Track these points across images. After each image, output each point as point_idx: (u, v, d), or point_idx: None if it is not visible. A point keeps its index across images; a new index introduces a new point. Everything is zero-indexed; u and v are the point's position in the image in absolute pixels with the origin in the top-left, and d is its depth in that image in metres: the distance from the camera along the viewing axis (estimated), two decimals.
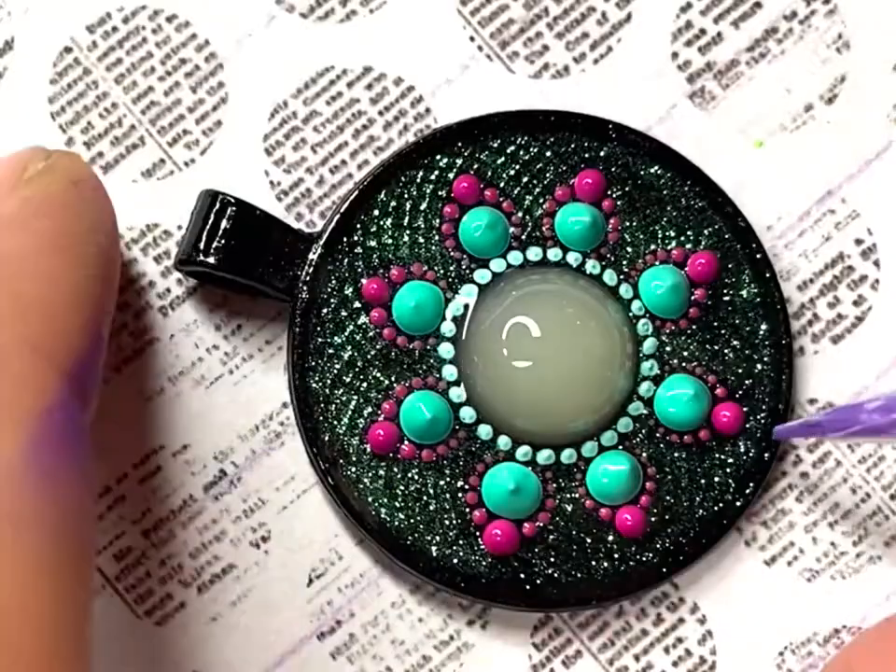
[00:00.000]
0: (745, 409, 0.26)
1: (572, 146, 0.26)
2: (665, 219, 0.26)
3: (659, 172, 0.26)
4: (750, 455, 0.26)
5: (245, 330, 0.26)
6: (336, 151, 0.27)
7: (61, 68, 0.27)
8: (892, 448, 0.26)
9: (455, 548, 0.25)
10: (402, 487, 0.25)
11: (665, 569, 0.25)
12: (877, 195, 0.27)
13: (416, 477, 0.25)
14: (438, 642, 0.26)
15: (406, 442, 0.25)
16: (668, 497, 0.25)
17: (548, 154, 0.26)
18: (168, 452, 0.26)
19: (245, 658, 0.26)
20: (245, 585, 0.26)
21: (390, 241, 0.26)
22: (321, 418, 0.25)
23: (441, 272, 0.26)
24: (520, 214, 0.26)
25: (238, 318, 0.26)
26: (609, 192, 0.26)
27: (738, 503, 0.25)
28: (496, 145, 0.26)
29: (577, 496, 0.25)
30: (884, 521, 0.26)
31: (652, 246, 0.26)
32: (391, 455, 0.25)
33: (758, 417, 0.26)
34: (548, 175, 0.26)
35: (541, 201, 0.26)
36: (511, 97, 0.27)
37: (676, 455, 0.26)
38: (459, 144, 0.26)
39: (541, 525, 0.25)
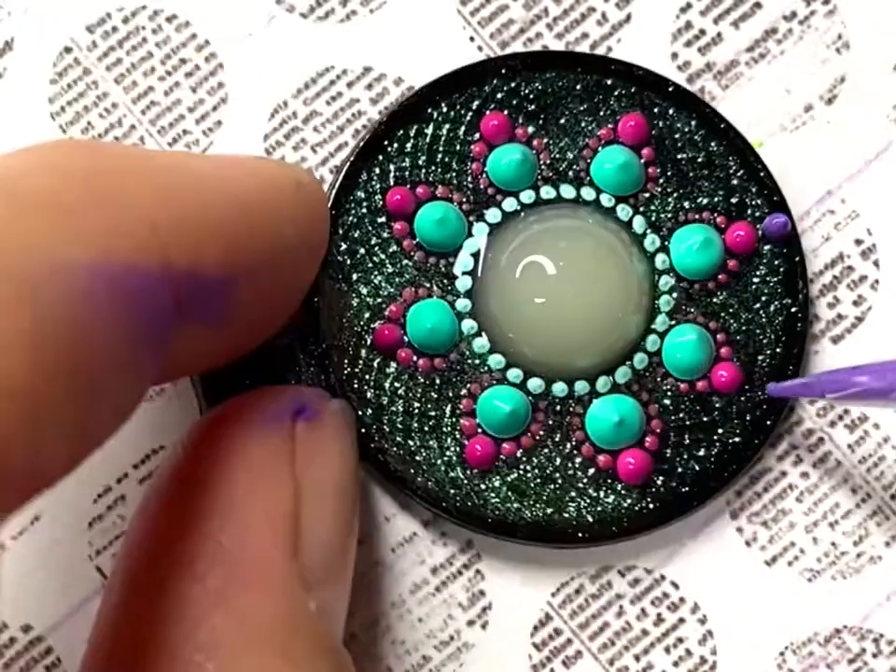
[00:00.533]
0: (745, 375, 0.26)
1: (619, 90, 0.26)
2: (706, 183, 0.26)
3: (707, 138, 0.26)
4: (747, 419, 0.26)
5: None
6: (336, 151, 0.27)
7: (61, 68, 0.27)
8: (893, 411, 0.26)
9: (440, 460, 0.25)
10: (398, 390, 0.25)
11: (648, 521, 0.25)
12: (877, 195, 0.27)
13: (409, 382, 0.25)
14: (438, 642, 0.26)
15: (405, 348, 0.25)
16: (667, 450, 0.25)
17: (595, 96, 0.26)
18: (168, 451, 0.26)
19: None
20: None
21: (420, 161, 0.26)
22: (331, 315, 0.25)
23: (467, 196, 0.26)
24: (556, 151, 0.26)
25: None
26: (651, 141, 0.26)
27: (734, 466, 0.25)
28: (536, 82, 0.26)
29: (571, 433, 0.25)
30: (884, 521, 0.26)
31: (690, 205, 0.26)
32: (391, 356, 0.25)
33: (756, 389, 0.26)
34: (590, 116, 0.26)
35: (580, 141, 0.26)
36: None
37: (678, 403, 0.26)
38: (499, 76, 0.26)
39: (524, 448, 0.25)
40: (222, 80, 0.27)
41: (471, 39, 0.27)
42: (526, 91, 0.26)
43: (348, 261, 0.25)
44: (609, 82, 0.26)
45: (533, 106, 0.26)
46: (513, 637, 0.26)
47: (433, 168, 0.26)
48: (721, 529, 0.26)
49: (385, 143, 0.26)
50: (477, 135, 0.26)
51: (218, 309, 0.20)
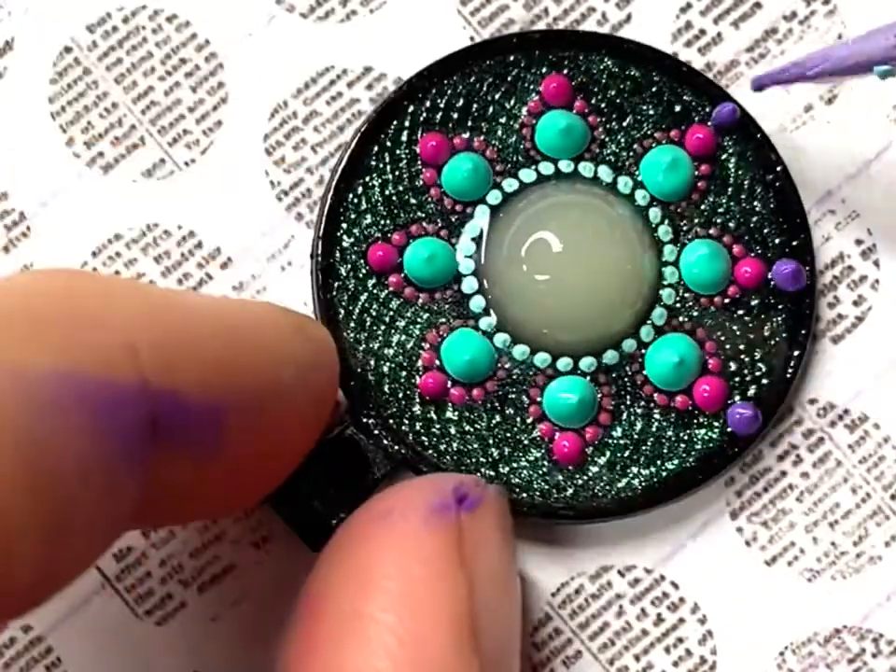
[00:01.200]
0: (765, 260, 0.26)
1: (524, 63, 0.26)
2: (646, 107, 0.26)
3: (630, 66, 0.26)
4: (788, 304, 0.26)
5: None
6: (336, 151, 0.27)
7: (61, 68, 0.27)
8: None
9: (530, 472, 0.25)
10: (465, 427, 0.25)
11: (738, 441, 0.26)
12: (877, 195, 0.27)
13: (470, 415, 0.25)
14: None
15: (454, 386, 0.25)
16: (730, 364, 0.26)
17: (507, 78, 0.26)
18: None
19: (245, 658, 0.26)
20: (245, 585, 0.26)
21: (383, 209, 0.26)
22: (365, 385, 0.25)
23: (438, 223, 0.26)
24: (496, 144, 0.26)
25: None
26: (578, 95, 0.26)
27: (797, 353, 0.26)
28: (450, 92, 0.26)
29: (640, 391, 0.26)
30: (884, 521, 0.26)
31: (641, 133, 0.26)
32: (442, 400, 0.25)
33: (780, 264, 0.26)
34: (510, 98, 0.26)
35: (514, 123, 0.26)
36: None
37: (718, 317, 0.26)
38: (412, 105, 0.26)
39: (604, 427, 0.25)
40: (222, 80, 0.27)
41: (471, 39, 0.27)
42: (443, 106, 0.26)
43: (363, 335, 0.25)
44: (502, 63, 0.26)
45: (453, 119, 0.26)
46: None
47: (395, 211, 0.26)
48: (721, 529, 0.26)
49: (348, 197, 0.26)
50: (419, 161, 0.26)
51: (203, 438, 0.19)
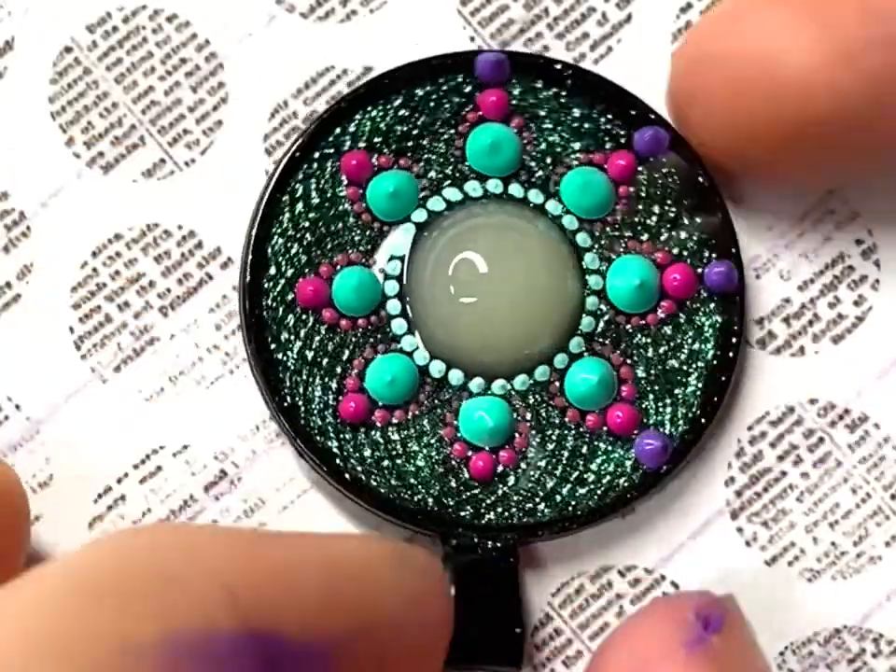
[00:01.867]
0: (695, 267, 0.26)
1: (456, 81, 0.26)
2: (568, 131, 0.26)
3: (557, 91, 0.26)
4: (719, 312, 0.26)
5: None
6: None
7: (61, 68, 0.27)
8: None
9: (447, 492, 0.25)
10: (387, 450, 0.25)
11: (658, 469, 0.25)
12: (878, 195, 0.27)
13: (396, 437, 0.25)
14: None
15: (378, 410, 0.25)
16: (651, 385, 0.26)
17: (440, 96, 0.26)
18: (168, 452, 0.26)
19: None
20: None
21: (310, 236, 0.26)
22: (294, 404, 0.25)
23: (362, 247, 0.26)
24: (423, 162, 0.26)
25: (239, 318, 0.26)
26: (517, 112, 0.26)
27: (724, 378, 0.26)
28: (376, 111, 0.26)
29: (555, 412, 0.25)
30: (885, 521, 0.26)
31: (566, 154, 0.26)
32: (366, 423, 0.25)
33: (712, 273, 0.26)
34: (443, 113, 0.26)
35: (445, 138, 0.26)
36: None
37: (644, 338, 0.26)
38: (338, 128, 0.26)
39: (519, 449, 0.25)
40: (222, 80, 0.27)
41: (472, 39, 0.27)
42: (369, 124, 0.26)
43: (292, 360, 0.25)
44: (432, 83, 0.26)
45: (380, 137, 0.26)
46: None
47: (322, 240, 0.26)
48: (722, 529, 0.26)
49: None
50: (344, 182, 0.26)
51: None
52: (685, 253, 0.26)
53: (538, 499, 0.25)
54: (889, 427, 0.26)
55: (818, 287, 0.27)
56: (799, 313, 0.27)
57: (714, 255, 0.26)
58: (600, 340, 0.26)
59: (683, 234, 0.26)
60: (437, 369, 0.25)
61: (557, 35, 0.27)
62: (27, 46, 0.27)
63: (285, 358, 0.25)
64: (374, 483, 0.25)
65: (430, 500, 0.25)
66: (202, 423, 0.26)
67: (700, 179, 0.26)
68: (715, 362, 0.26)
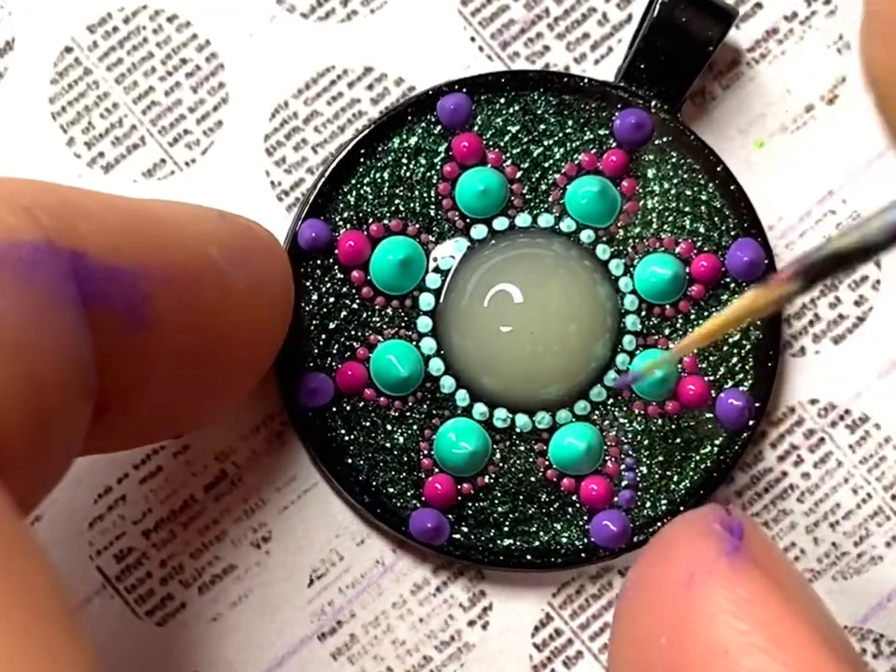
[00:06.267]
0: (711, 381, 0.26)
1: (595, 114, 0.26)
2: (678, 210, 0.26)
3: (688, 163, 0.26)
4: (722, 435, 0.26)
5: None
6: (337, 152, 0.27)
7: (61, 68, 0.27)
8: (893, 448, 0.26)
9: (403, 493, 0.25)
10: (365, 430, 0.25)
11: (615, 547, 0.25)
12: (878, 195, 0.27)
13: (378, 421, 0.25)
14: (439, 643, 0.26)
15: (370, 388, 0.25)
16: (642, 469, 0.26)
17: (566, 121, 0.26)
18: (169, 452, 0.26)
19: (246, 658, 0.26)
20: (245, 586, 0.26)
21: (377, 196, 0.26)
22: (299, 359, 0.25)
23: (427, 226, 0.26)
24: (527, 178, 0.26)
25: None
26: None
27: (715, 475, 0.26)
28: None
29: (534, 462, 0.25)
30: (885, 521, 0.26)
31: (659, 233, 0.26)
32: (357, 396, 0.25)
33: (728, 388, 0.26)
34: (568, 142, 0.26)
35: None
36: None
37: (649, 426, 0.26)
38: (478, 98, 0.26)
39: (485, 483, 0.25)
40: (223, 80, 0.27)
41: (472, 39, 0.27)
42: (503, 113, 0.26)
43: (316, 313, 0.25)
44: (570, 102, 0.26)
45: (496, 133, 0.26)
46: (514, 637, 0.26)
47: (392, 200, 0.26)
48: None
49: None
50: (447, 157, 0.26)
51: (128, 303, 0.20)
52: (704, 238, 0.26)
53: (477, 532, 0.25)
54: (890, 428, 0.26)
55: (818, 288, 0.27)
56: (800, 313, 0.27)
57: (735, 233, 0.26)
58: (648, 333, 0.26)
59: (699, 216, 0.26)
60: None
61: (558, 36, 0.27)
62: (28, 46, 0.27)
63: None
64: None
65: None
66: None
67: (708, 155, 0.26)
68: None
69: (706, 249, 0.26)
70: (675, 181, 0.26)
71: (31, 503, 0.19)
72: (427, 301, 0.26)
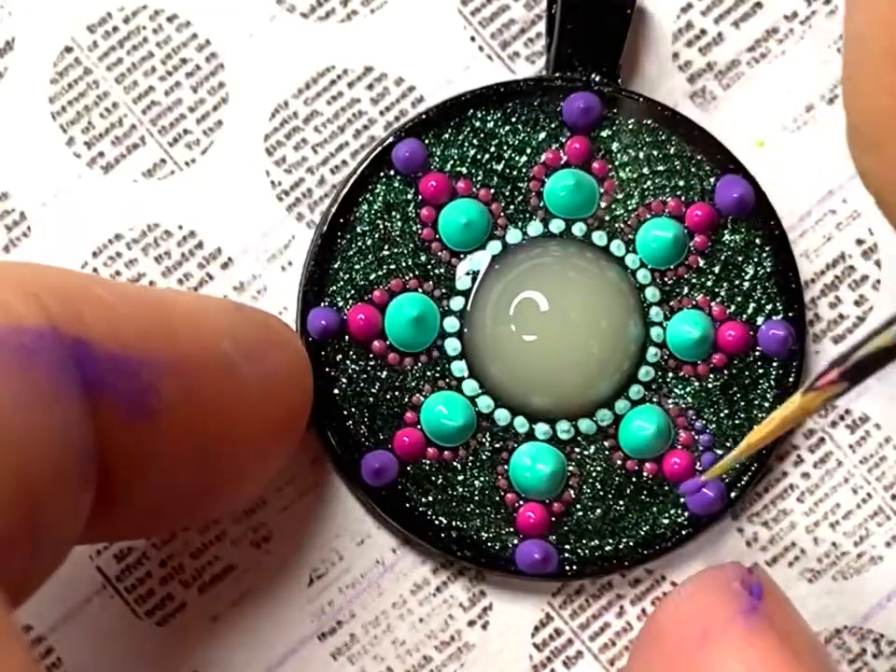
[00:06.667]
0: (749, 328, 0.26)
1: (541, 112, 0.26)
2: (653, 172, 0.26)
3: (645, 124, 0.26)
4: (774, 368, 0.26)
5: None
6: (337, 151, 0.27)
7: (61, 68, 0.27)
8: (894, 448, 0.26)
9: (499, 535, 0.25)
10: (441, 487, 0.25)
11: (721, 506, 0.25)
12: None
13: (450, 475, 0.25)
14: (439, 643, 0.26)
15: (431, 447, 0.25)
16: (712, 427, 0.26)
17: (517, 127, 0.26)
18: None
19: (246, 658, 0.26)
20: (245, 585, 0.26)
21: (368, 264, 0.26)
22: (347, 440, 0.25)
23: (425, 275, 0.26)
24: (502, 196, 0.26)
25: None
26: (598, 155, 0.26)
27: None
28: (456, 133, 0.26)
29: (610, 459, 0.25)
30: (885, 521, 0.26)
31: (644, 201, 0.26)
32: (420, 459, 0.25)
33: (764, 321, 0.26)
34: (527, 147, 0.26)
35: (524, 176, 0.26)
36: None
37: (705, 385, 0.26)
38: (418, 141, 0.26)
39: (572, 497, 0.25)
40: (223, 80, 0.27)
41: (472, 39, 0.27)
42: (445, 149, 0.26)
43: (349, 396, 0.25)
44: (522, 107, 0.26)
45: (456, 163, 0.26)
46: (514, 637, 0.26)
47: (380, 265, 0.26)
48: (722, 529, 0.26)
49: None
50: (420, 202, 0.26)
51: (133, 395, 0.19)
52: (687, 189, 0.26)
53: (582, 545, 0.25)
54: (890, 428, 0.26)
55: (818, 287, 0.27)
56: None
57: (716, 173, 0.26)
58: (661, 382, 0.26)
59: (675, 170, 0.26)
60: (500, 414, 0.25)
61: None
62: (27, 46, 0.27)
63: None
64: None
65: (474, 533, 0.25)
66: None
67: (661, 111, 0.26)
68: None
69: (695, 200, 0.26)
70: (639, 146, 0.26)
71: (24, 592, 0.19)
72: (452, 346, 0.25)
